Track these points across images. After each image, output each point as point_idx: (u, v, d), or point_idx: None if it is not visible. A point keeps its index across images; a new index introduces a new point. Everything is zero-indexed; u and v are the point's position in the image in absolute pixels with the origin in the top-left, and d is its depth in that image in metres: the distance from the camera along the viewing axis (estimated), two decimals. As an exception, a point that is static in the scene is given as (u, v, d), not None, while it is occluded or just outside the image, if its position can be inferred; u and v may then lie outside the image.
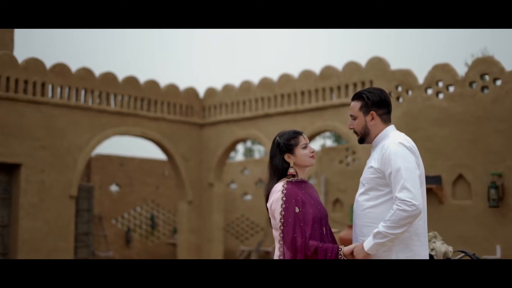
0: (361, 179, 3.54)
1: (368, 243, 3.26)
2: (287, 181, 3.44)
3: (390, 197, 3.32)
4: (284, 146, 3.52)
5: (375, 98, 3.51)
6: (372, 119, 3.50)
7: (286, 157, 3.51)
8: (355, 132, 3.61)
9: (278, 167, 3.51)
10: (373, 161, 3.45)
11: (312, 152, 3.57)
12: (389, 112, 3.56)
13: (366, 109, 3.51)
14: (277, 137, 3.57)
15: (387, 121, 3.55)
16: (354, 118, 3.58)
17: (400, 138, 3.41)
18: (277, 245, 3.43)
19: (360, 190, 3.51)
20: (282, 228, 3.32)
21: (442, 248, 4.30)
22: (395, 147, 3.32)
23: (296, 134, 3.55)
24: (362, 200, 3.46)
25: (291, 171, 3.50)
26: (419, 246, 3.35)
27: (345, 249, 3.31)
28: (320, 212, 3.44)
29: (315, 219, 3.36)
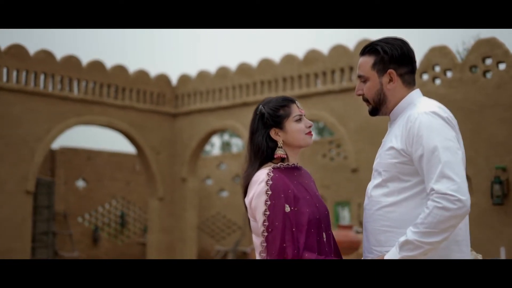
0: (375, 165, 2.66)
1: (391, 257, 2.41)
2: (273, 168, 2.58)
3: (420, 190, 2.48)
4: (270, 117, 2.65)
5: (395, 52, 2.62)
6: (391, 80, 2.63)
7: (272, 133, 2.65)
8: (365, 100, 2.71)
9: (261, 147, 2.63)
10: (394, 140, 2.57)
11: (309, 126, 2.70)
12: (413, 71, 2.68)
13: (382, 66, 2.62)
14: (261, 106, 2.68)
15: (411, 83, 2.69)
16: (364, 80, 2.71)
17: (433, 106, 2.58)
18: (258, 257, 2.56)
19: (375, 181, 2.65)
20: (266, 234, 2.48)
21: (470, 256, 3.69)
22: (426, 119, 2.50)
23: (287, 102, 2.69)
24: (378, 195, 2.60)
25: (279, 153, 2.64)
26: (460, 258, 2.60)
27: (357, 265, 2.44)
28: (319, 212, 2.63)
29: (311, 222, 2.54)
